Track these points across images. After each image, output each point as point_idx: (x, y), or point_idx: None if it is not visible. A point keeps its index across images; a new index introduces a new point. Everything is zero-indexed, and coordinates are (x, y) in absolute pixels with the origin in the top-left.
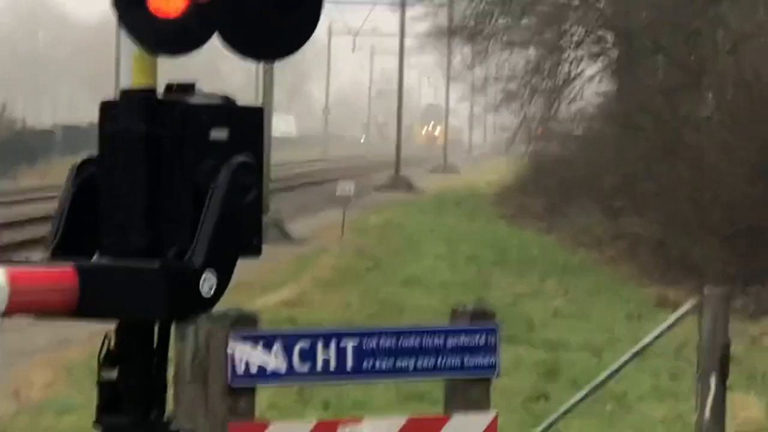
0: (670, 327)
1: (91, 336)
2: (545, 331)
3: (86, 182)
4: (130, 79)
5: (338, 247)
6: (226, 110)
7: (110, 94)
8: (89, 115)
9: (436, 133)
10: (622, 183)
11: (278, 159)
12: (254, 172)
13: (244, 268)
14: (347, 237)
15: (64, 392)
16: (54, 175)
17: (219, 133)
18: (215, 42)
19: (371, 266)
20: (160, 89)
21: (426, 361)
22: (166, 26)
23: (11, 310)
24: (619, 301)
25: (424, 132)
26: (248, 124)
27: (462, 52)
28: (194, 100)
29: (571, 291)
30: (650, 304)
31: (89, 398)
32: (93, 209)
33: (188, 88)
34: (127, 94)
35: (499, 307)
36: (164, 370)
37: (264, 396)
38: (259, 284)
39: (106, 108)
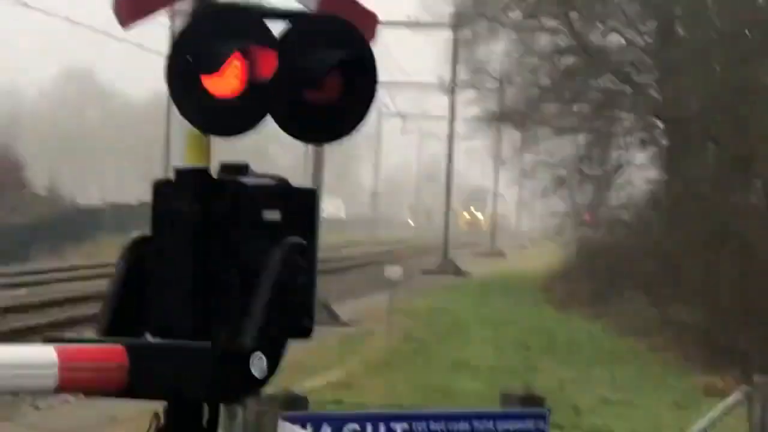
0: (720, 416)
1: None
2: (592, 418)
3: (138, 261)
4: (183, 158)
5: (385, 330)
6: (280, 191)
7: (158, 173)
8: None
9: (480, 216)
10: (670, 270)
11: (327, 241)
12: (307, 253)
13: (291, 348)
14: (394, 320)
15: None
16: (101, 254)
17: (272, 214)
18: (266, 123)
19: (418, 349)
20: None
21: None
22: (222, 107)
23: (61, 388)
24: (665, 389)
25: (468, 216)
26: (302, 205)
27: (511, 137)
28: (248, 180)
29: (617, 378)
30: (697, 392)
31: None
32: (144, 288)
33: (242, 168)
34: (180, 173)
35: (545, 393)
36: None
37: None
38: (306, 366)
39: (159, 186)
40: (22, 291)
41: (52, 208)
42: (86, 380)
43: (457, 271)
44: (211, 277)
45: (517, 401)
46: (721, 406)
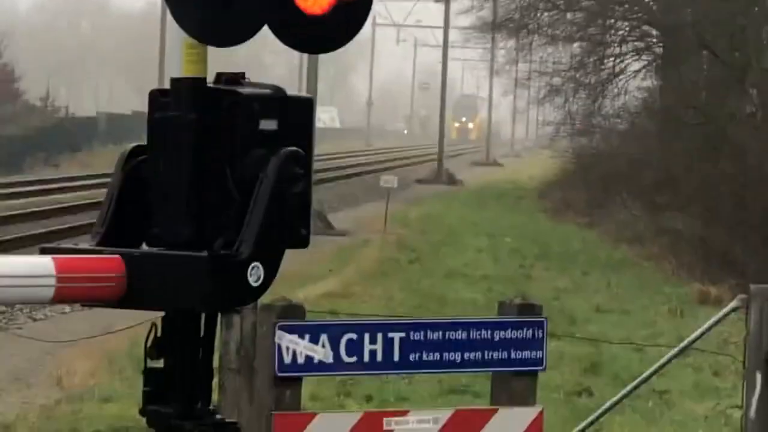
0: (715, 324)
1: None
2: (587, 326)
3: (134, 171)
4: (180, 68)
5: (381, 239)
6: (276, 100)
7: (153, 84)
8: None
9: (470, 126)
10: (665, 179)
11: (321, 150)
12: (303, 162)
13: (286, 258)
14: (390, 229)
15: (106, 381)
16: (96, 164)
17: (269, 124)
18: (260, 33)
19: (413, 258)
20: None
21: (473, 354)
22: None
23: (58, 298)
24: (660, 297)
25: (457, 125)
26: (298, 114)
27: (506, 46)
28: (244, 89)
29: (612, 286)
30: (692, 300)
31: (131, 387)
32: (141, 198)
33: (238, 78)
34: (177, 83)
35: (541, 301)
36: (210, 359)
37: (306, 388)
38: (301, 275)
39: (155, 96)
40: (18, 201)
41: (47, 118)
42: (83, 290)
43: (452, 180)
44: (208, 186)
45: (514, 310)
46: (718, 315)
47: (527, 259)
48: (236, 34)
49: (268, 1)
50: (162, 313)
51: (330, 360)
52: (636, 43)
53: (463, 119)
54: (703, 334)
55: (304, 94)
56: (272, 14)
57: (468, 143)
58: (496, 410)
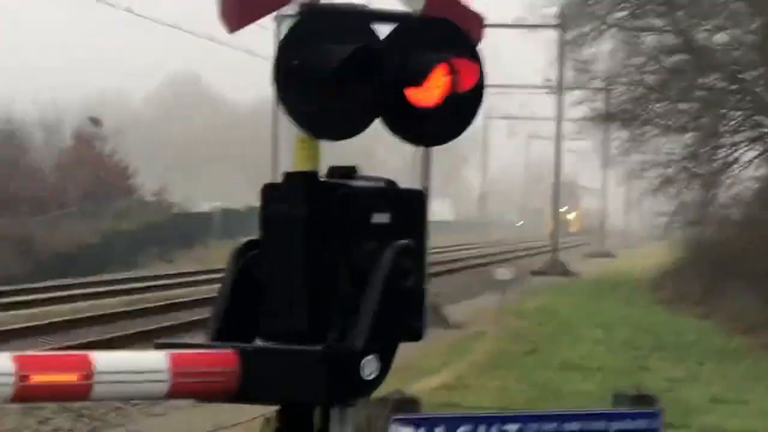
0: None
1: (249, 419)
2: (704, 417)
3: (248, 265)
4: (292, 162)
5: (496, 331)
6: (388, 193)
7: (266, 178)
8: (245, 199)
9: (569, 216)
10: None
11: (436, 243)
12: (416, 255)
13: (402, 351)
14: (505, 321)
15: None
16: (211, 259)
17: (381, 217)
18: (373, 127)
19: (529, 350)
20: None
21: None
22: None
23: (173, 393)
24: None
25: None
26: (410, 207)
27: (619, 137)
28: (356, 183)
29: (728, 376)
30: None
31: None
32: (254, 292)
33: (350, 171)
34: (290, 177)
35: (656, 392)
36: None
37: None
38: (417, 368)
39: (268, 190)
40: (133, 297)
41: (161, 213)
42: (197, 385)
43: (566, 272)
44: (322, 280)
45: (629, 401)
46: None
47: (642, 351)
48: (347, 128)
49: (380, 95)
50: (276, 407)
51: None
52: (749, 133)
53: (562, 209)
54: None
55: (416, 186)
56: (384, 107)
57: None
58: None
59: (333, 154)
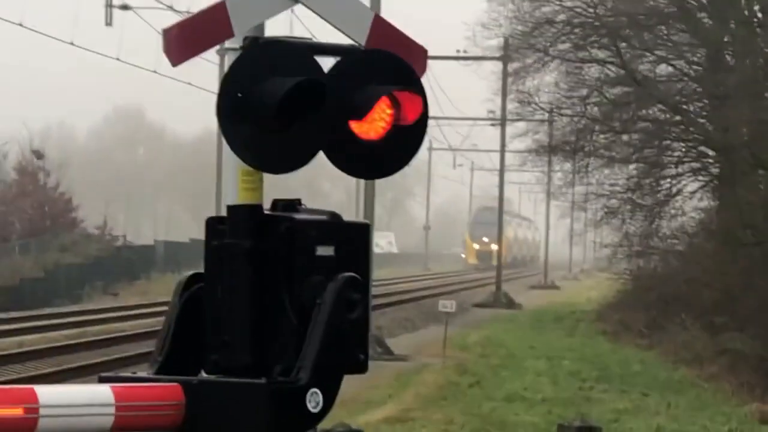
0: None
1: None
2: None
3: (192, 298)
4: (236, 195)
5: (440, 363)
6: (333, 226)
7: (210, 211)
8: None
9: (493, 247)
10: (723, 299)
11: (379, 276)
12: (361, 288)
13: (345, 383)
14: (449, 353)
15: None
16: (155, 292)
17: (325, 250)
18: (317, 160)
19: (473, 382)
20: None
21: None
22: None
23: (118, 426)
24: (721, 417)
25: (477, 247)
26: (355, 240)
27: (562, 169)
28: (301, 216)
29: (672, 407)
30: (752, 420)
31: None
32: (198, 326)
33: (294, 204)
34: (233, 210)
35: (601, 423)
36: None
37: None
38: (360, 400)
39: (212, 223)
40: (76, 330)
41: (105, 247)
42: (143, 419)
43: (511, 304)
44: (266, 313)
45: None
46: None
47: (586, 382)
48: (292, 160)
49: (323, 128)
50: None
51: None
52: (692, 164)
53: (485, 239)
54: None
55: (360, 219)
56: (328, 140)
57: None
58: None
59: (276, 186)
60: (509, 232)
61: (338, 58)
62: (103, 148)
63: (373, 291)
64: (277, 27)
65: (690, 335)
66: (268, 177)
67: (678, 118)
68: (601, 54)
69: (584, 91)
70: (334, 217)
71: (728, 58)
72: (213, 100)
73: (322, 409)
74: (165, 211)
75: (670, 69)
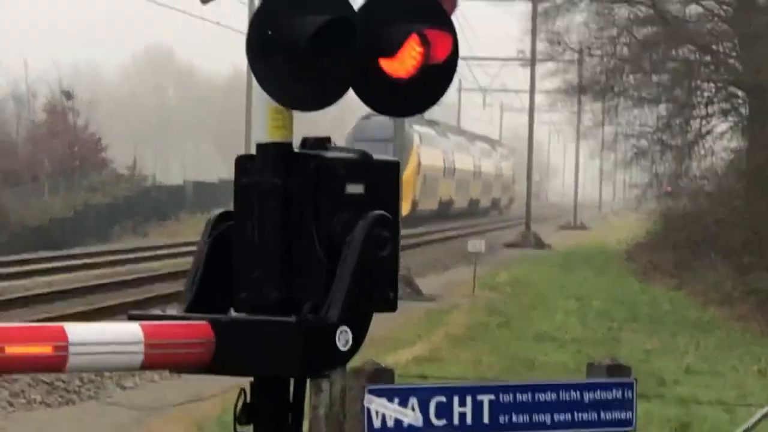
0: None
1: (225, 390)
2: (677, 387)
3: (221, 237)
4: (265, 133)
5: (469, 303)
6: (362, 165)
7: (240, 150)
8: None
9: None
10: (752, 239)
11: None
12: (390, 226)
13: (374, 323)
14: (477, 293)
15: None
16: (184, 232)
17: (355, 188)
18: (347, 97)
19: (502, 322)
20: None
21: (562, 416)
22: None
23: (147, 364)
24: (749, 357)
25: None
26: (384, 178)
27: (592, 109)
28: (330, 154)
29: (702, 347)
30: None
31: None
32: (228, 264)
33: (324, 142)
34: (263, 148)
35: (630, 363)
36: (299, 424)
37: None
38: (390, 340)
39: (241, 162)
40: (106, 270)
41: (134, 187)
42: (171, 357)
43: (540, 244)
44: (295, 250)
45: (603, 371)
46: None
47: (615, 322)
48: (321, 98)
49: (353, 66)
50: (251, 379)
51: (420, 423)
52: (722, 105)
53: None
54: None
55: (390, 158)
56: (357, 78)
57: (560, 208)
58: None
59: (307, 125)
60: (434, 157)
61: None
62: (132, 90)
63: (402, 231)
64: None
65: (719, 275)
66: (297, 116)
67: (708, 58)
68: None
69: (614, 31)
70: (364, 155)
71: None
72: (242, 40)
73: (352, 347)
74: (194, 151)
75: (700, 9)
